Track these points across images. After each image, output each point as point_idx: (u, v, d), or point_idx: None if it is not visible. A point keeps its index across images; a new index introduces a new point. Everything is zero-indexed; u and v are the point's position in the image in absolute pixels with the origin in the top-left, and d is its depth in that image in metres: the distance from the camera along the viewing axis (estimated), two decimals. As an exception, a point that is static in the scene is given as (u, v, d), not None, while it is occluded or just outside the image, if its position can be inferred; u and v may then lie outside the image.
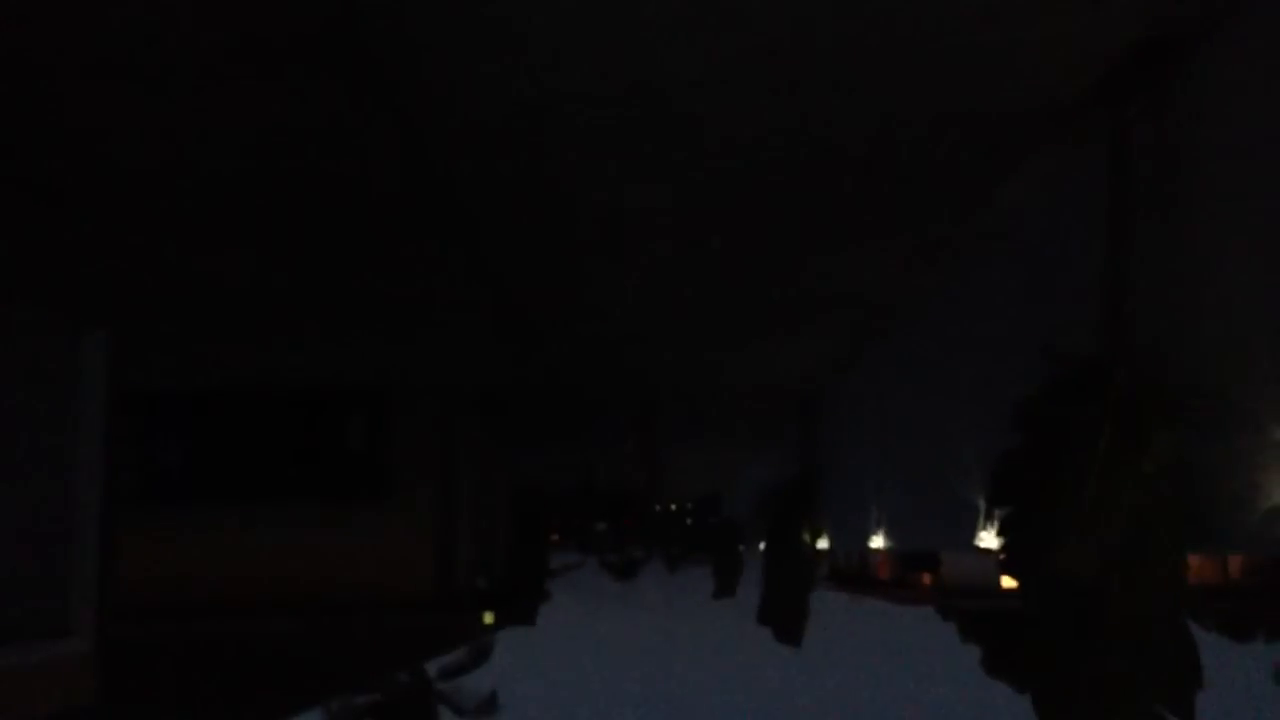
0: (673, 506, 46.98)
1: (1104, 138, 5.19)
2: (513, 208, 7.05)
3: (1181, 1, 4.47)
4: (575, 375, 12.91)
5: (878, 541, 11.53)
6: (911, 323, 9.78)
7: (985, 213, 7.00)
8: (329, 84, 5.20)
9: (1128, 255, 5.01)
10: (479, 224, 7.30)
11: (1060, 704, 4.87)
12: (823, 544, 14.45)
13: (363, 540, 13.31)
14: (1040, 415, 5.03)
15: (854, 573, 22.21)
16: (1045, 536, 4.84)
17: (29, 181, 6.24)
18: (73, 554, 8.09)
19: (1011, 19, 4.60)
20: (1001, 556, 5.29)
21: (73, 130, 5.60)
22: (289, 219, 7.14)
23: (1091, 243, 5.24)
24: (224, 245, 7.58)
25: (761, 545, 16.02)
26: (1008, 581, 5.36)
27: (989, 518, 7.30)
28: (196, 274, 8.23)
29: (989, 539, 7.40)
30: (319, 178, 6.43)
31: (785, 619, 14.38)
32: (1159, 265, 4.97)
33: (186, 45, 4.75)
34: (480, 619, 16.03)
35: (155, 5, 4.42)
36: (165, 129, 5.61)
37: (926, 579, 20.20)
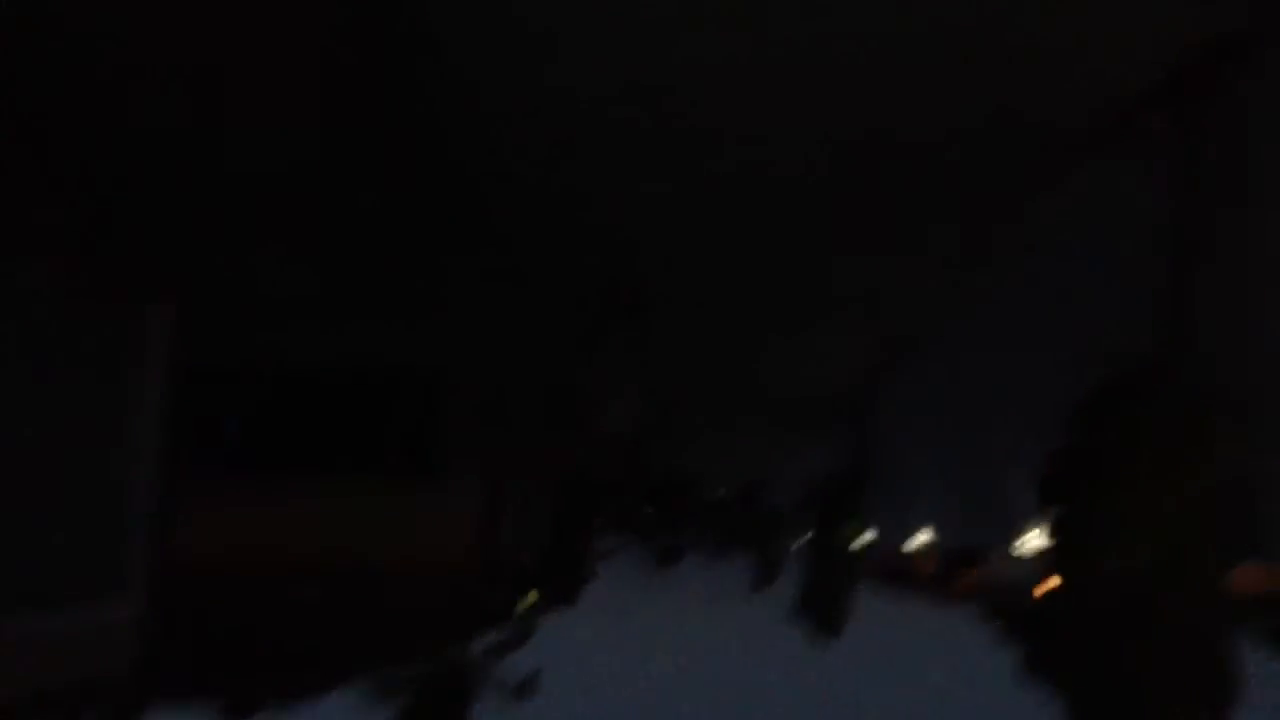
0: (720, 492, 46.88)
1: (1163, 138, 5.11)
2: (559, 206, 7.07)
3: (1245, 3, 4.39)
4: (619, 362, 12.93)
5: (923, 537, 11.46)
6: (964, 320, 9.69)
7: (1042, 211, 6.92)
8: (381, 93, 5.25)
9: (1187, 256, 4.94)
10: (525, 219, 7.34)
11: (1096, 706, 4.84)
12: (868, 537, 14.38)
13: (410, 517, 13.44)
14: (1095, 417, 4.97)
15: (897, 568, 22.10)
16: (1096, 538, 4.79)
17: (102, 161, 6.36)
18: (126, 520, 8.27)
19: (1072, 19, 4.54)
20: (1051, 557, 5.25)
21: (145, 114, 5.69)
22: (349, 207, 7.21)
23: (1148, 242, 5.16)
24: (289, 231, 7.68)
25: (805, 536, 15.98)
26: (1053, 581, 5.32)
27: (1040, 517, 7.24)
28: (262, 259, 8.35)
29: (1037, 538, 7.33)
30: (377, 172, 6.49)
31: (824, 611, 14.35)
32: (1218, 266, 4.89)
33: (232, 47, 4.82)
34: (524, 597, 16.15)
35: (207, 15, 4.50)
36: (233, 119, 5.70)
37: (970, 576, 20.06)
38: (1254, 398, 4.59)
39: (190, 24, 4.81)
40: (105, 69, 5.29)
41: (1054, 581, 5.27)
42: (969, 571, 19.43)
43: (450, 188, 6.90)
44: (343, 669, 13.21)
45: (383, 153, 6.33)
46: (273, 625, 12.55)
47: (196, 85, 5.34)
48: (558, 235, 7.92)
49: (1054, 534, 5.26)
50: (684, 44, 5.01)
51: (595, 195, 7.04)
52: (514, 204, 7.18)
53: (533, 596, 16.00)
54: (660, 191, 6.86)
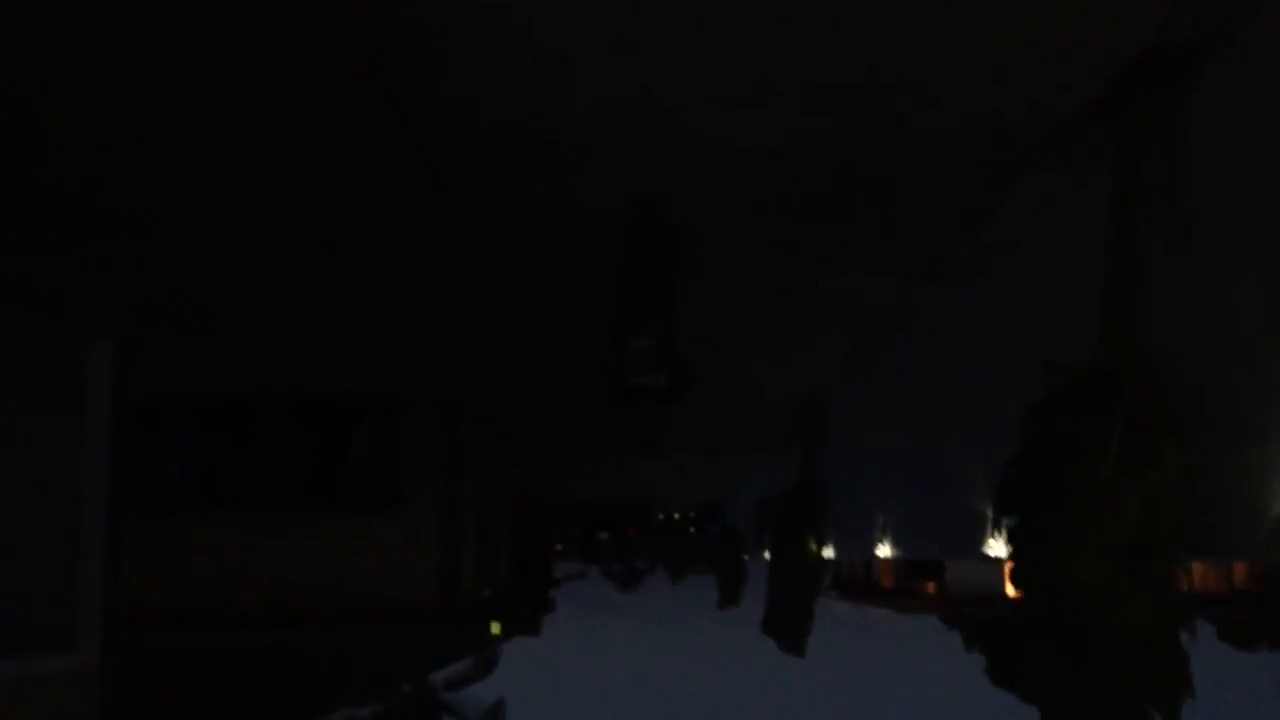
0: (675, 516, 46.90)
1: (1109, 149, 5.19)
2: (517, 219, 7.07)
3: (1187, 14, 4.48)
4: (577, 385, 12.89)
5: (884, 550, 11.52)
6: (917, 332, 9.78)
7: (990, 223, 7.01)
8: (340, 99, 5.22)
9: (1133, 266, 5.02)
10: (484, 236, 7.32)
11: (1059, 710, 4.89)
12: (828, 553, 14.43)
13: (367, 551, 13.31)
14: (1046, 426, 5.03)
15: (859, 581, 22.17)
16: (1052, 546, 4.84)
17: (34, 194, 6.26)
18: (78, 566, 8.10)
19: (1014, 33, 4.61)
20: (1009, 565, 5.29)
21: (78, 142, 5.62)
22: (295, 232, 7.16)
23: (1097, 254, 5.24)
24: (230, 257, 7.60)
25: (766, 554, 16.01)
26: (1013, 589, 5.36)
27: (997, 526, 7.30)
28: (203, 286, 8.24)
29: (996, 547, 7.40)
30: (325, 191, 6.44)
31: (790, 628, 14.36)
32: (1165, 276, 4.97)
33: (192, 56, 4.77)
34: (486, 629, 16.02)
35: (164, 20, 4.45)
36: (172, 140, 5.63)
37: (931, 587, 20.17)
38: (1203, 402, 4.66)
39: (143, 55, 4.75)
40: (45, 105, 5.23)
41: (1013, 589, 5.31)
42: (930, 583, 19.53)
43: (421, 205, 6.86)
44: (304, 711, 13.01)
45: (347, 169, 6.28)
46: (230, 670, 12.34)
47: (151, 95, 5.25)
48: (532, 251, 7.89)
49: (1011, 542, 5.31)
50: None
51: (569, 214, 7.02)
52: (486, 218, 7.14)
53: (496, 628, 15.87)
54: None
